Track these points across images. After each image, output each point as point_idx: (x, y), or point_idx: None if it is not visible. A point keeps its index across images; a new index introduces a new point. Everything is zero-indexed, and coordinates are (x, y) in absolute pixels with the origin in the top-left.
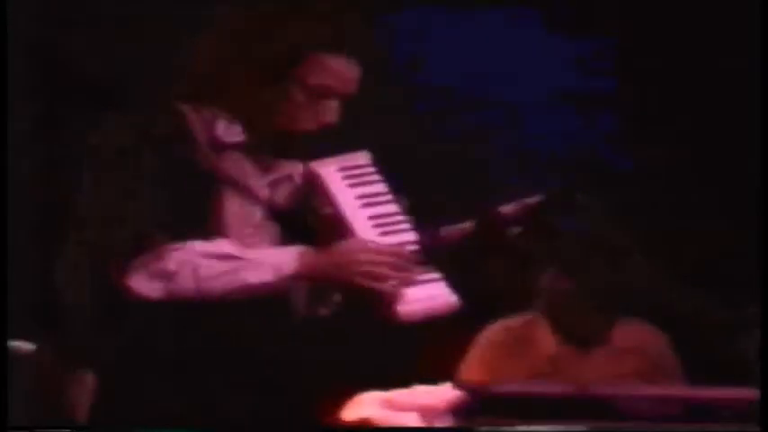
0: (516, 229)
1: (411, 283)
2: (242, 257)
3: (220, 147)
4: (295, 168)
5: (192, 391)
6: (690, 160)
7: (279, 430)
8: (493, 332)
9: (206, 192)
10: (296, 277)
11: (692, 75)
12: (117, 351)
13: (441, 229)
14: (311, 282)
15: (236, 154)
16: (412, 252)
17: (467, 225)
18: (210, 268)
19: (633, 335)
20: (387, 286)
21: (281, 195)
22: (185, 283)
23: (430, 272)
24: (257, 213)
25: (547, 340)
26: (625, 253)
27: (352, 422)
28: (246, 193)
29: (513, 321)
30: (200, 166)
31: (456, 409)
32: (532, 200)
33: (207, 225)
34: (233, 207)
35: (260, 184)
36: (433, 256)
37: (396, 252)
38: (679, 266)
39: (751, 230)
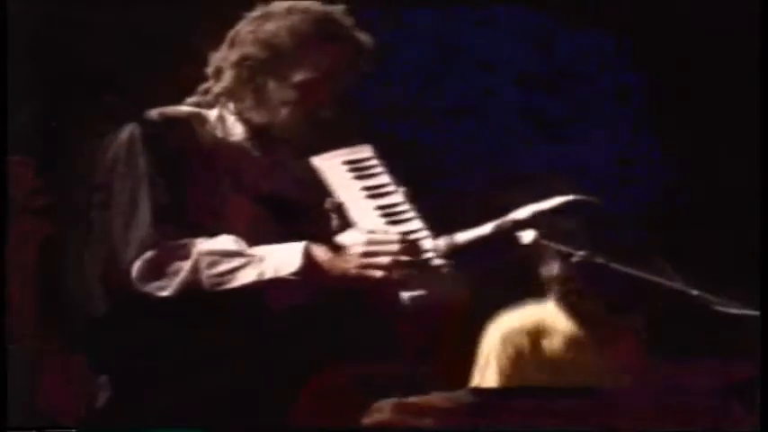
0: (531, 234)
1: (416, 269)
2: (246, 254)
3: (221, 144)
4: (299, 163)
5: (197, 391)
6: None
7: None
8: (506, 332)
9: (209, 189)
10: (300, 273)
11: (693, 76)
12: (124, 351)
13: (456, 234)
14: (316, 277)
15: (237, 150)
16: (411, 239)
17: (482, 230)
18: (215, 265)
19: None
20: (390, 274)
21: (285, 189)
22: (191, 282)
23: (436, 260)
24: (261, 212)
25: (563, 328)
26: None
27: (371, 426)
28: (249, 188)
29: (525, 316)
30: (203, 164)
31: (473, 413)
32: (547, 205)
33: (212, 222)
34: (236, 203)
35: (263, 179)
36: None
37: (393, 239)
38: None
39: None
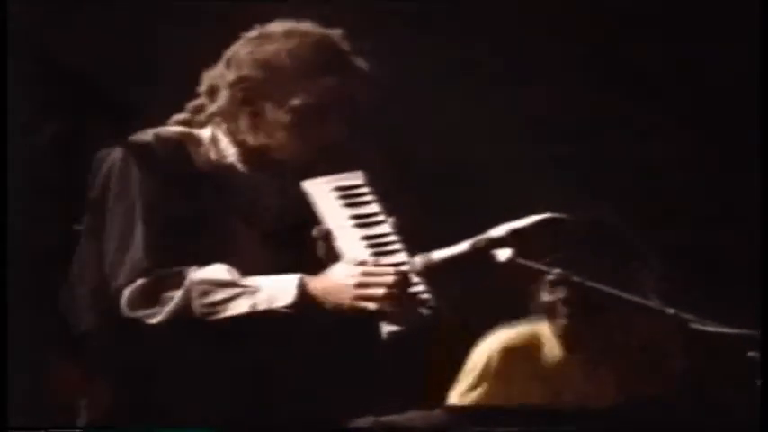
0: (507, 253)
1: (402, 301)
2: (240, 284)
3: (215, 167)
4: (289, 188)
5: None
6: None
7: None
8: (494, 353)
9: (202, 213)
10: (294, 306)
11: (694, 76)
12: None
13: (433, 252)
14: (310, 309)
15: (230, 174)
16: (403, 272)
17: (458, 248)
18: (207, 295)
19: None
20: (378, 306)
21: (276, 215)
22: (182, 310)
23: (421, 291)
24: (253, 235)
25: (552, 348)
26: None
27: None
28: (241, 212)
29: (513, 336)
30: (196, 187)
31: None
32: (524, 224)
33: (203, 247)
34: (228, 227)
35: (255, 203)
36: (426, 277)
37: (386, 272)
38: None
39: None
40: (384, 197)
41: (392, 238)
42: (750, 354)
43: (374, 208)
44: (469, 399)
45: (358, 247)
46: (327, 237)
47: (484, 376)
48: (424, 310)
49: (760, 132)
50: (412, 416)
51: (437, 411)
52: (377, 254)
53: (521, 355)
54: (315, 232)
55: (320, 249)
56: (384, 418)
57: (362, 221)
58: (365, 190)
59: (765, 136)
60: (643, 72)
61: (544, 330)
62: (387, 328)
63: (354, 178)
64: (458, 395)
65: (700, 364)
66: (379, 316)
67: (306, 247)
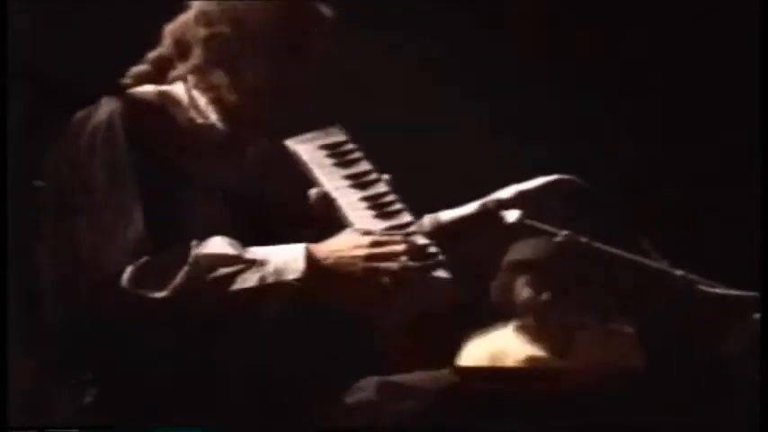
0: (515, 214)
1: (416, 272)
2: (245, 258)
3: (198, 129)
4: (273, 147)
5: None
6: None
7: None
8: (471, 358)
9: (194, 184)
10: (304, 278)
11: (694, 76)
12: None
13: (441, 213)
14: (319, 278)
15: (214, 137)
16: (413, 241)
17: (467, 209)
18: (214, 270)
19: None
20: (392, 277)
21: (261, 177)
22: (189, 286)
23: (435, 261)
24: (240, 203)
25: (521, 351)
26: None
27: (354, 405)
28: (227, 180)
29: (487, 342)
30: (182, 154)
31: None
32: (533, 185)
33: (196, 220)
34: (217, 196)
35: (241, 169)
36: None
37: (398, 241)
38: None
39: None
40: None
41: (392, 197)
42: (755, 316)
43: (365, 166)
44: None
45: (359, 209)
46: (326, 199)
47: None
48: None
49: (760, 132)
50: (418, 376)
51: (444, 371)
52: (380, 215)
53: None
54: (312, 195)
55: (319, 211)
56: (390, 378)
57: (357, 181)
58: (351, 147)
59: (765, 135)
60: (642, 71)
61: (509, 339)
62: (408, 300)
63: (337, 134)
64: None
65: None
66: (397, 287)
67: (300, 212)
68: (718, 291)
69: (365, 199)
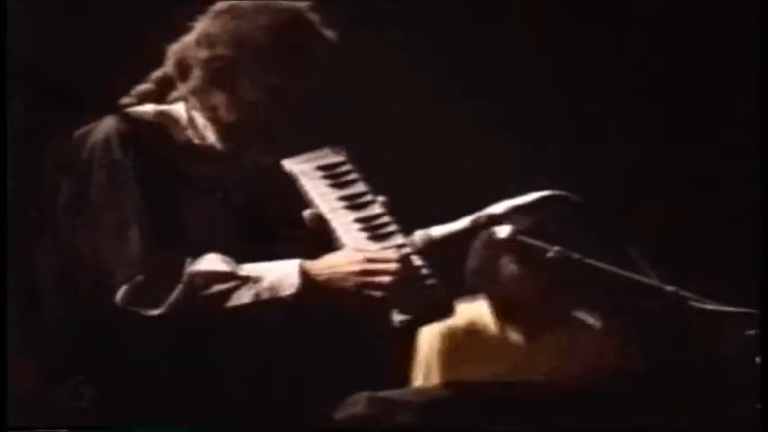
0: (507, 230)
1: (408, 288)
2: (240, 275)
3: (196, 149)
4: (269, 166)
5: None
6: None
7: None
8: (442, 331)
9: (189, 202)
10: (298, 294)
11: (693, 75)
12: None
13: (432, 229)
14: (313, 297)
15: (211, 156)
16: (406, 256)
17: (459, 225)
18: (208, 287)
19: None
20: (384, 294)
21: (259, 198)
22: (184, 304)
23: (426, 275)
24: (234, 218)
25: (492, 327)
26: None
27: (344, 420)
28: (225, 196)
29: (459, 314)
30: (181, 171)
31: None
32: (525, 200)
33: (193, 236)
34: (214, 214)
35: (239, 187)
36: (426, 256)
37: (389, 258)
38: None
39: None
40: (366, 175)
41: (385, 219)
42: (748, 332)
43: (361, 187)
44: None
45: (353, 231)
46: (320, 220)
47: (429, 363)
48: (432, 294)
49: (760, 131)
50: (408, 391)
51: (433, 387)
52: (373, 237)
53: (462, 337)
54: (307, 216)
55: (313, 233)
56: (380, 394)
57: (352, 203)
58: (348, 168)
59: (765, 134)
60: (642, 69)
61: (483, 310)
62: (398, 317)
63: (335, 155)
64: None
65: (698, 342)
66: (386, 304)
67: (290, 232)
68: (709, 307)
69: (359, 220)
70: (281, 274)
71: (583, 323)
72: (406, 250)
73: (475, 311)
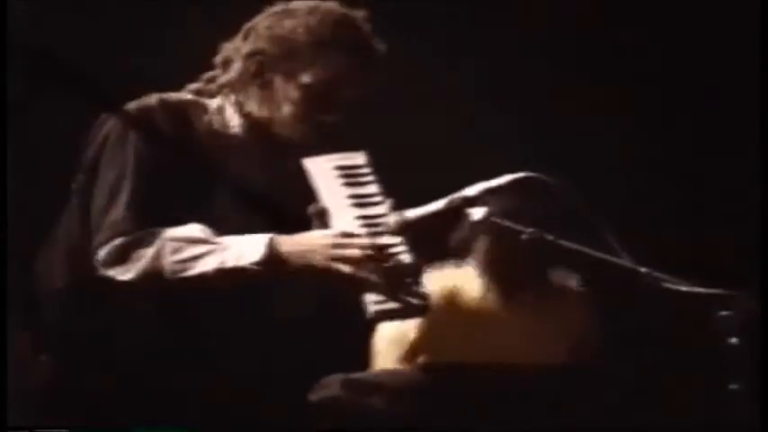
0: (481, 212)
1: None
2: (211, 242)
3: (216, 135)
4: (288, 164)
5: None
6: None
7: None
8: None
9: (194, 180)
10: (262, 263)
11: (692, 74)
12: (92, 338)
13: (407, 211)
14: (278, 267)
15: (231, 143)
16: (392, 252)
17: (433, 207)
18: (178, 252)
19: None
20: (358, 271)
21: (273, 188)
22: (153, 267)
23: (399, 251)
24: (245, 206)
25: (475, 290)
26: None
27: (318, 403)
28: (236, 183)
29: (443, 278)
30: (192, 154)
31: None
32: (498, 183)
33: (193, 214)
34: (220, 197)
35: (252, 176)
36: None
37: (362, 235)
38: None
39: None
40: (384, 179)
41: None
42: (722, 313)
43: (373, 188)
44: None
45: (352, 226)
46: (322, 214)
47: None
48: (412, 287)
49: (760, 131)
50: (381, 373)
51: (406, 369)
52: (371, 234)
53: (443, 300)
54: (310, 209)
55: (315, 227)
56: (353, 376)
57: (360, 201)
58: (366, 170)
59: (765, 132)
60: (641, 68)
61: (468, 273)
62: (373, 308)
63: (356, 158)
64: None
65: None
66: (356, 283)
67: (298, 226)
68: (683, 288)
69: (361, 218)
70: (249, 243)
71: (562, 286)
72: (380, 228)
73: (458, 276)
